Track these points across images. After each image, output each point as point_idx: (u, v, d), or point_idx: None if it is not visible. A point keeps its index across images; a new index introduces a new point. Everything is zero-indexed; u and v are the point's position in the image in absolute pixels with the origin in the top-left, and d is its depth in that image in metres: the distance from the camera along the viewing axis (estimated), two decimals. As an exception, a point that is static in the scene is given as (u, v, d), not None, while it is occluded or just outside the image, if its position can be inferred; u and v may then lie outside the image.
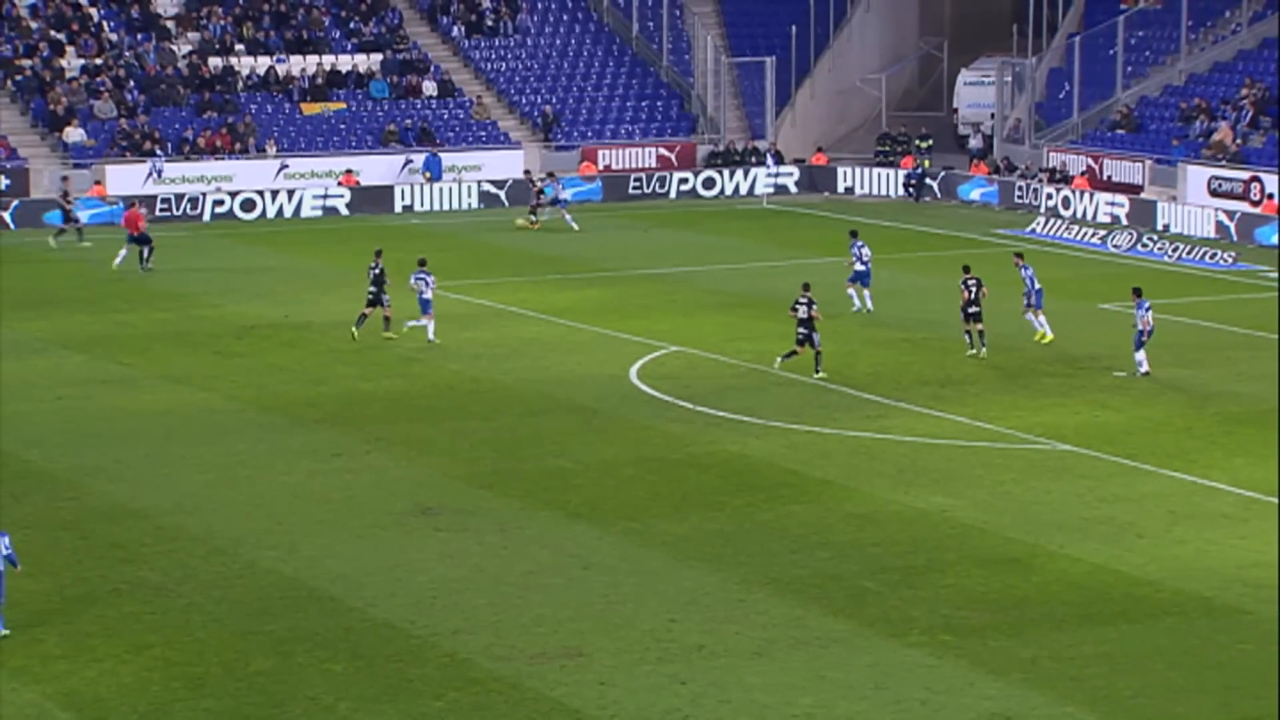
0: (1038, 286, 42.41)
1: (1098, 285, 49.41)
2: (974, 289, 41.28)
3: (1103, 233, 59.27)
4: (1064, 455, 33.31)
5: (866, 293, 45.80)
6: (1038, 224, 61.52)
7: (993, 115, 73.20)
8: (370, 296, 42.70)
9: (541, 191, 61.15)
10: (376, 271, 42.90)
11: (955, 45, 79.87)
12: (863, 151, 73.37)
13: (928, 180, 68.40)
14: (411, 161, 66.42)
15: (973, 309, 41.13)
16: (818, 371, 38.96)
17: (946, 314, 44.83)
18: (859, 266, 45.69)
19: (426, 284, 42.38)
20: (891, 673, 23.21)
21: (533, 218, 60.54)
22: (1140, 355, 38.86)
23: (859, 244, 46.04)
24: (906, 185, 68.65)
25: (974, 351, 41.06)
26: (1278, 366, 39.31)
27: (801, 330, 39.28)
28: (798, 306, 39.44)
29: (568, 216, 59.76)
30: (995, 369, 39.96)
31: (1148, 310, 38.83)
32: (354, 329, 42.60)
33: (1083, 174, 65.53)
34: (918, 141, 71.44)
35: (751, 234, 60.02)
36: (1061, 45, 72.93)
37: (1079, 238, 59.45)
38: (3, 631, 24.59)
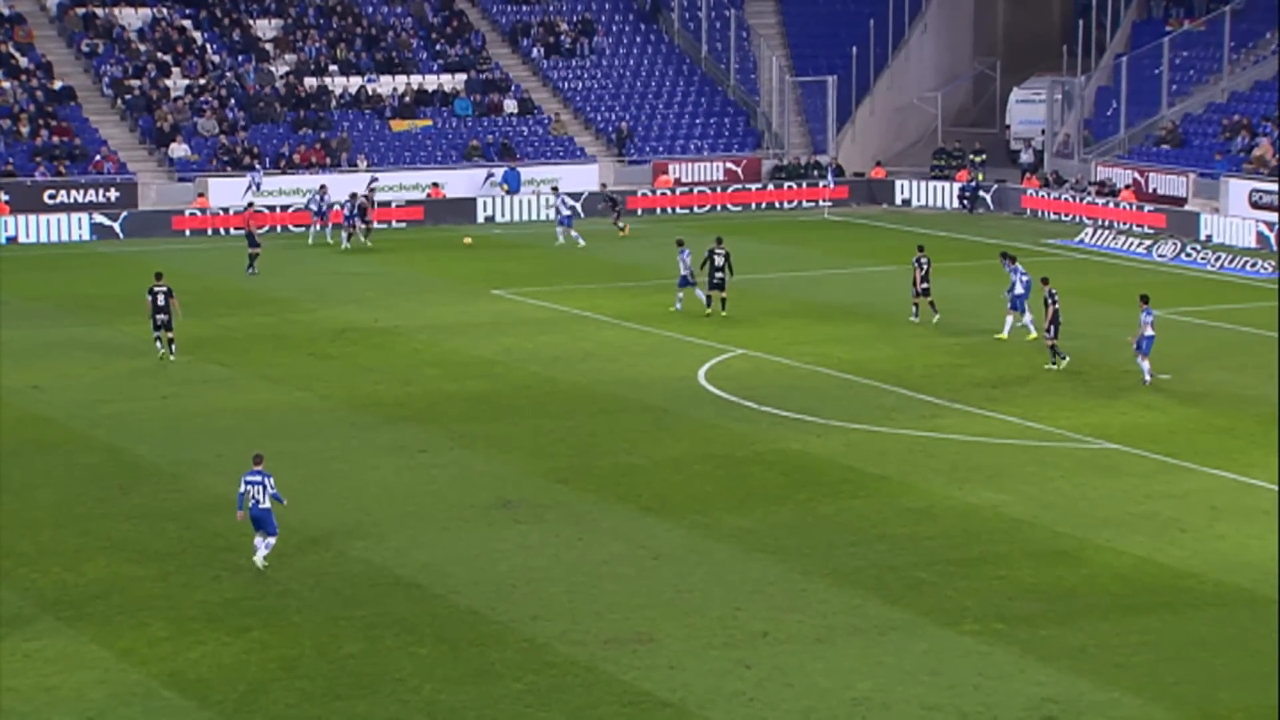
0: (1020, 291, 42.27)
1: (1143, 292, 48.96)
2: (925, 266, 44.83)
3: (1148, 243, 58.82)
4: (1111, 454, 33.09)
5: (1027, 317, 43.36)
6: (1086, 234, 61.12)
7: (1043, 131, 72.80)
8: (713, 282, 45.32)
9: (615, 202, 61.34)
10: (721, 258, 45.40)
11: (1008, 64, 79.47)
12: (919, 165, 73.09)
13: (981, 193, 68.11)
14: (492, 175, 66.60)
15: (924, 285, 44.77)
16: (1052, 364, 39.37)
17: (997, 319, 44.65)
18: (1019, 290, 43.39)
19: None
20: (946, 659, 23.12)
21: (619, 224, 60.82)
22: (1145, 364, 37.96)
23: (1015, 268, 43.47)
24: (961, 198, 68.37)
25: (916, 319, 44.67)
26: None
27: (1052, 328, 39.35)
28: (1050, 299, 39.21)
29: (574, 233, 58.92)
30: (1044, 371, 39.71)
31: (1152, 318, 38.07)
32: None
33: (1129, 187, 65.07)
34: (972, 156, 71.09)
35: (813, 243, 59.86)
36: (1109, 65, 72.45)
37: (1125, 247, 59.02)
38: (262, 564, 25.79)
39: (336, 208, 59.83)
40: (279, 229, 61.77)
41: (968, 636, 23.88)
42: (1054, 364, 39.62)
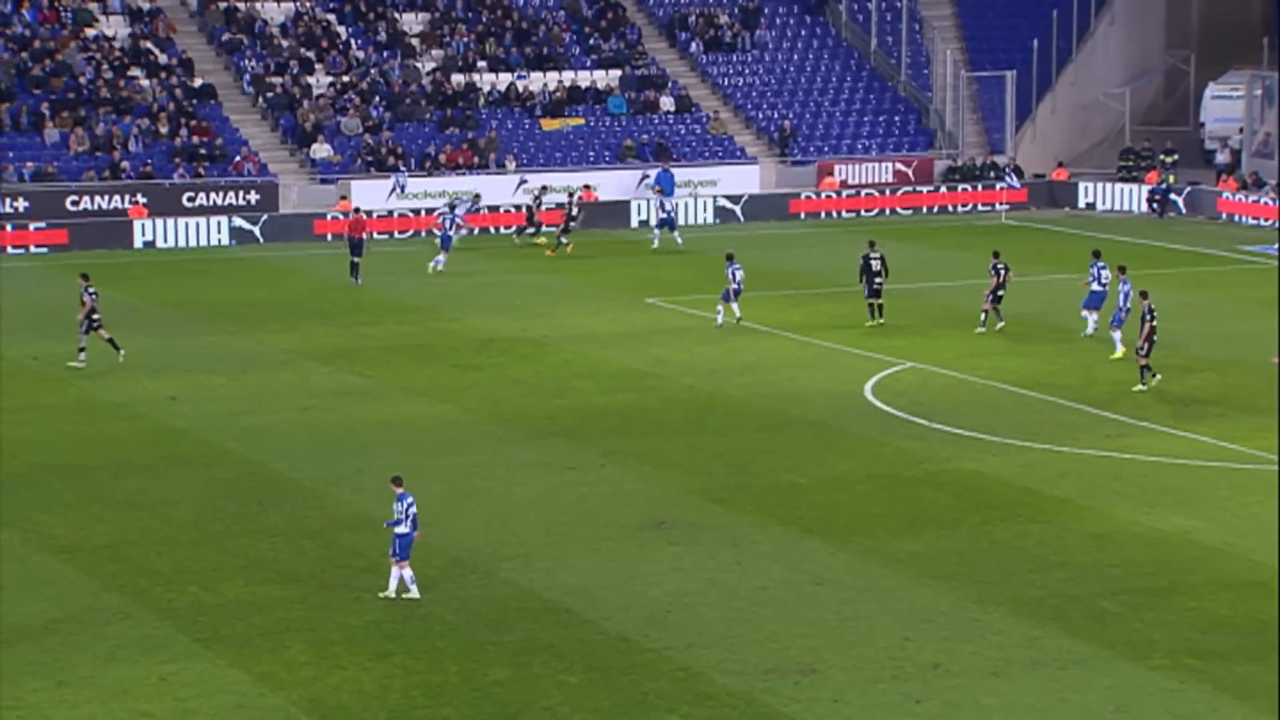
0: (1128, 305, 41.59)
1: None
2: (1003, 274, 45.13)
3: (1356, 249, 57.62)
4: (1313, 478, 32.46)
5: (1094, 316, 44.34)
6: (1287, 240, 60.01)
7: (1241, 129, 71.60)
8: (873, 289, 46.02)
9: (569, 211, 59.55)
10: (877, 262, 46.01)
11: (1202, 58, 78.26)
12: (1105, 167, 72.21)
13: (1172, 196, 67.13)
14: (647, 177, 66.78)
15: (1000, 293, 45.03)
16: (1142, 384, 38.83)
17: (1189, 332, 44.02)
18: (1095, 288, 44.58)
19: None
20: (1132, 696, 22.83)
21: (562, 240, 58.77)
22: None
23: (1100, 265, 44.96)
24: (1150, 201, 67.44)
25: (983, 330, 45.02)
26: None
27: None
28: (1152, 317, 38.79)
29: (674, 235, 58.99)
30: (1240, 388, 39.07)
31: None
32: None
33: (1335, 189, 63.82)
34: (1163, 156, 70.09)
35: (989, 250, 59.27)
36: (1314, 57, 71.15)
37: (1331, 254, 57.82)
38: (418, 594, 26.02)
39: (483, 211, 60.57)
40: (423, 233, 62.54)
41: (1157, 672, 23.56)
42: (1144, 384, 38.74)
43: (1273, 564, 27.75)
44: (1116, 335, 42.03)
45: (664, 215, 60.06)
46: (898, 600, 26.29)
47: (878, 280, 46.03)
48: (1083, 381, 39.76)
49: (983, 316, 45.57)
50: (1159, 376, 39.04)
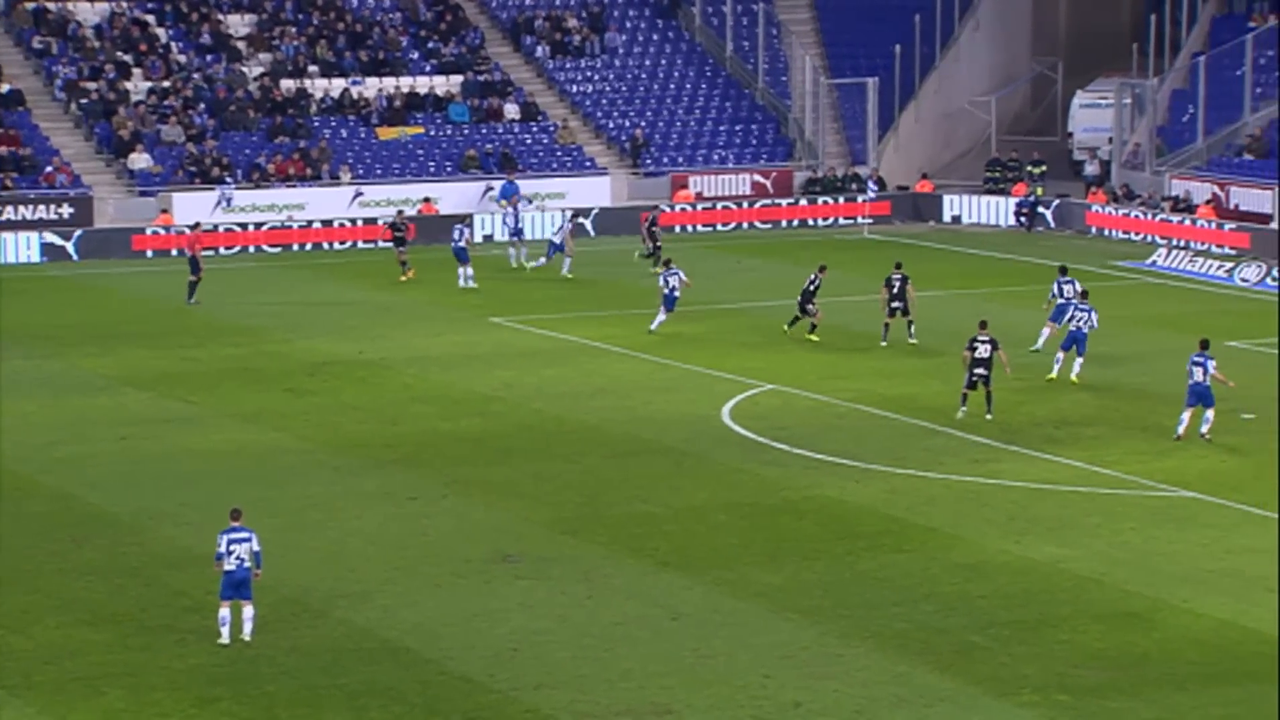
0: (1084, 330, 42.08)
1: (1224, 321, 49.03)
2: (896, 285, 46.27)
3: (1229, 265, 58.85)
4: (1188, 503, 33.07)
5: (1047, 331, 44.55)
6: (1159, 256, 61.17)
7: (1110, 140, 72.87)
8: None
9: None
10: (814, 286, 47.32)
11: (1070, 65, 79.60)
12: (971, 178, 73.18)
13: (1040, 209, 68.17)
14: (491, 189, 66.77)
15: (895, 304, 46.19)
16: (989, 413, 38.54)
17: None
18: (1060, 303, 44.67)
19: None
20: (1001, 734, 23.11)
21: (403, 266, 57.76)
22: (1209, 412, 36.91)
23: (1064, 280, 45.82)
24: (1018, 214, 68.45)
25: (885, 344, 46.04)
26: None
27: (979, 371, 38.59)
28: (976, 345, 38.81)
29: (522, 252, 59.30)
30: (1114, 410, 39.73)
31: (1212, 365, 36.92)
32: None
33: (1208, 202, 65.10)
34: (1030, 167, 71.19)
35: (852, 265, 59.90)
36: (1185, 65, 72.55)
37: (1204, 270, 59.05)
38: (249, 638, 25.64)
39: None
40: (251, 249, 62.13)
41: (1027, 709, 23.87)
42: (964, 412, 38.92)
43: (1146, 594, 28.24)
44: (1059, 356, 42.30)
45: (516, 226, 60.24)
46: (757, 635, 26.45)
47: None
48: (950, 405, 40.18)
49: (883, 330, 46.29)
50: (961, 413, 38.91)
